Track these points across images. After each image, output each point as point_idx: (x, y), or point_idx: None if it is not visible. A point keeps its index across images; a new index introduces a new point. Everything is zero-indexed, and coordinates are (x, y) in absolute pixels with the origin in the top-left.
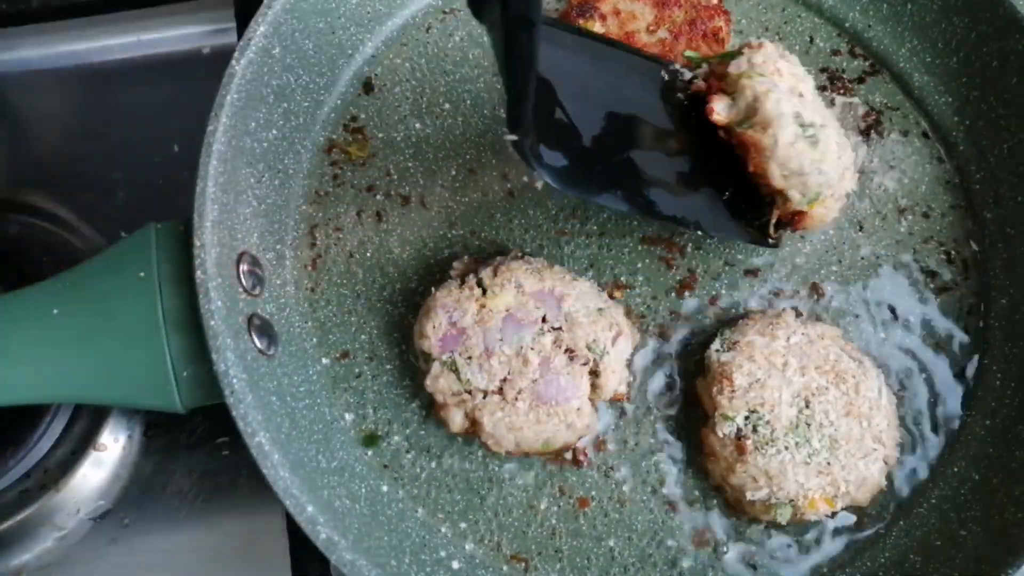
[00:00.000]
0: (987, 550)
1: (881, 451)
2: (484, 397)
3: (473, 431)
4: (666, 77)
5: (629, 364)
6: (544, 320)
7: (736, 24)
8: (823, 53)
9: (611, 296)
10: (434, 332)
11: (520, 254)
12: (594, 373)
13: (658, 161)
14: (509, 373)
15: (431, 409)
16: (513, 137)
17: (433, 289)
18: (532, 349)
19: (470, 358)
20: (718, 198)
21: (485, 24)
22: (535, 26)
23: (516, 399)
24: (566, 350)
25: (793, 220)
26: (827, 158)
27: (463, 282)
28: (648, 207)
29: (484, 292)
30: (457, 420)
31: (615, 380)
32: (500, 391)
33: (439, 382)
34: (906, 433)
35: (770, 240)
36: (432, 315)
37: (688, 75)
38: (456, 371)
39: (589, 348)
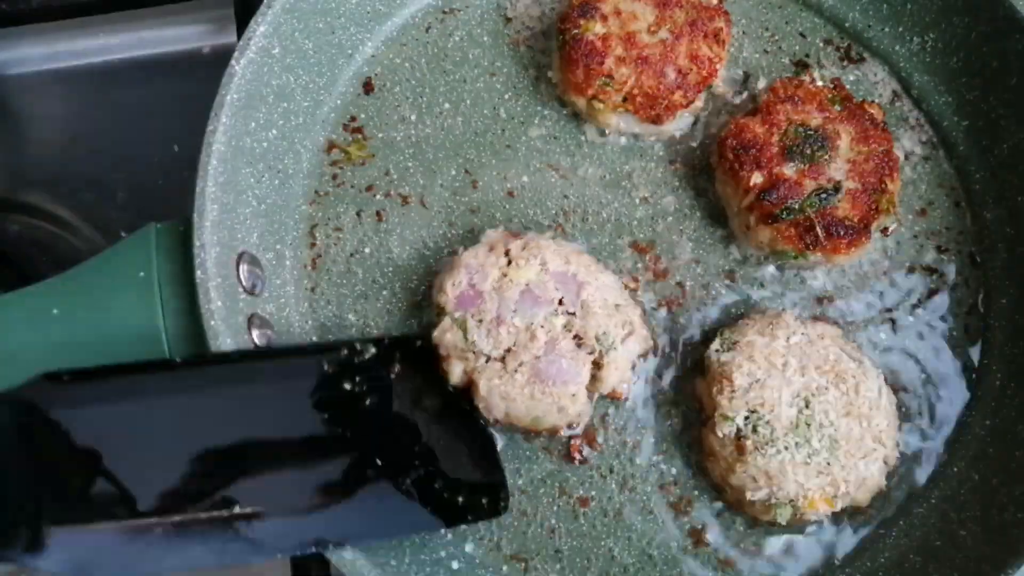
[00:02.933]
0: (987, 550)
1: (881, 451)
2: (486, 361)
3: (469, 390)
4: (327, 368)
5: (634, 366)
6: (560, 303)
7: (736, 24)
8: (823, 53)
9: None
10: (452, 289)
11: (554, 235)
12: (597, 365)
13: (277, 482)
14: (515, 344)
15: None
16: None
17: (461, 248)
18: (542, 327)
19: (481, 321)
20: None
21: None
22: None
23: (516, 371)
24: (575, 336)
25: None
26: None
27: (491, 249)
28: (249, 551)
29: (508, 263)
30: (456, 373)
31: (616, 377)
32: (502, 360)
33: (446, 336)
34: (906, 433)
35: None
36: (454, 272)
37: (370, 352)
38: (465, 330)
39: (598, 339)
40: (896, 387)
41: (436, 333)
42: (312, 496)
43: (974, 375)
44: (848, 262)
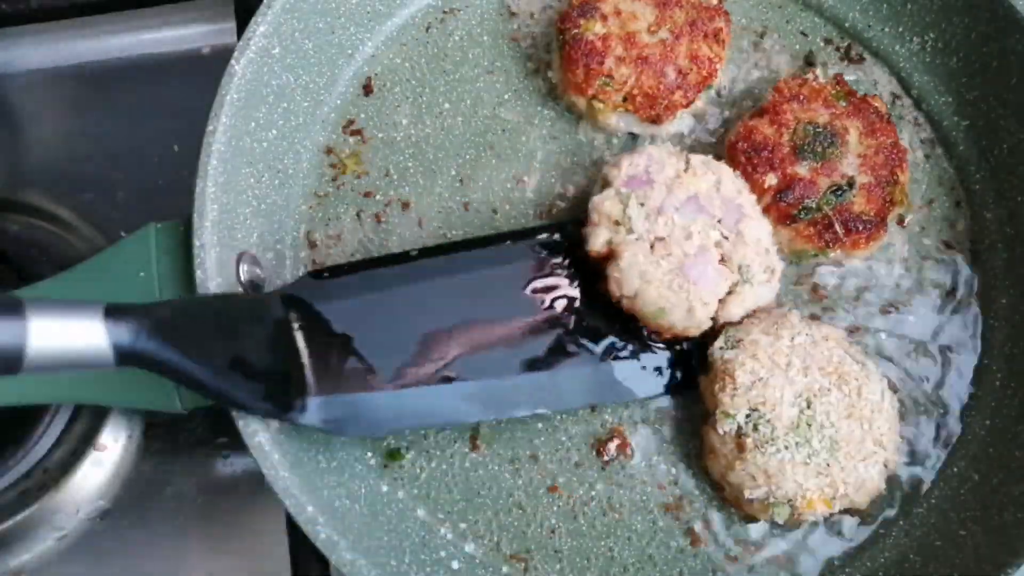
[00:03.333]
0: (987, 550)
1: (881, 454)
2: (636, 239)
3: (604, 262)
4: (537, 252)
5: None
6: (719, 222)
7: (736, 23)
8: (823, 53)
9: None
10: (628, 167)
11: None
12: (728, 292)
13: (487, 358)
14: (668, 236)
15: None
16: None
17: (648, 142)
18: (698, 233)
19: (643, 204)
20: (598, 360)
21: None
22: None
23: (662, 259)
24: (721, 258)
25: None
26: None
27: (676, 153)
28: (460, 414)
29: (686, 169)
30: (599, 241)
31: (738, 310)
32: (652, 245)
33: (606, 203)
34: (906, 434)
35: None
36: (636, 155)
37: (557, 236)
38: (625, 205)
39: (740, 269)
40: (896, 387)
41: (596, 198)
42: (519, 369)
43: (974, 375)
44: (865, 256)
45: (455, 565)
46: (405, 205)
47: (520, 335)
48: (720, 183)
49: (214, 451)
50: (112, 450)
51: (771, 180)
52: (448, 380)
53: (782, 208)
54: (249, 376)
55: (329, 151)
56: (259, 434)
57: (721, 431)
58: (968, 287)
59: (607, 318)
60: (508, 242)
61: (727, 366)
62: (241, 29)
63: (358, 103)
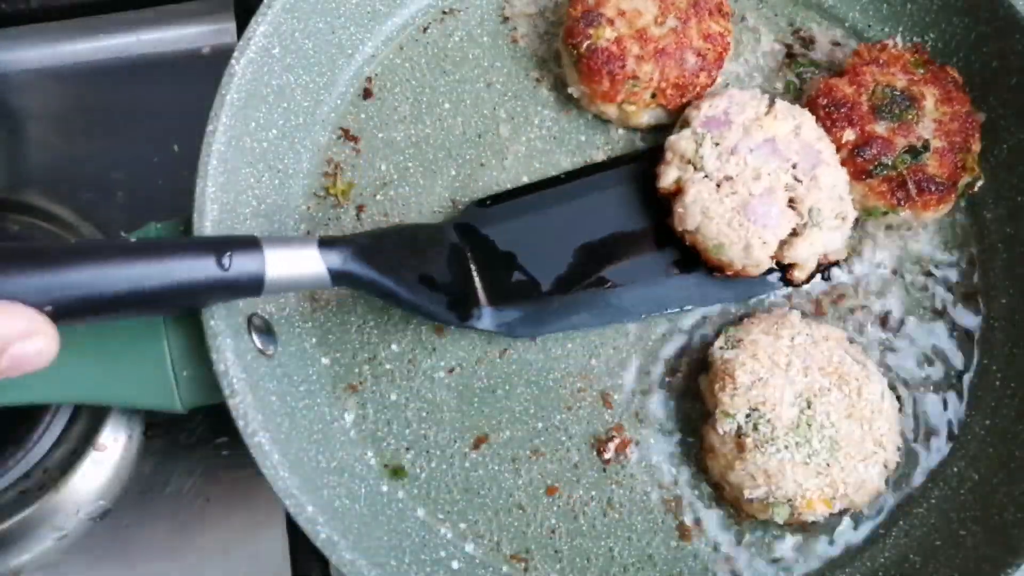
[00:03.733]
0: (987, 550)
1: (881, 455)
2: (703, 177)
3: (672, 198)
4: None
5: (820, 266)
6: (794, 167)
7: (736, 23)
8: (822, 52)
9: None
10: (708, 108)
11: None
12: (795, 233)
13: (635, 263)
14: (736, 176)
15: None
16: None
17: (732, 87)
18: (769, 175)
19: (718, 144)
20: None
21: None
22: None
23: (726, 197)
24: (791, 201)
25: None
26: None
27: (759, 96)
28: (619, 314)
29: (767, 112)
30: (670, 178)
31: (805, 251)
32: (719, 184)
33: (681, 143)
34: (906, 433)
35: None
36: (716, 97)
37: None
38: (699, 145)
39: (810, 212)
40: (896, 387)
41: (672, 137)
42: (666, 271)
43: (974, 375)
44: (932, 219)
45: (455, 565)
46: (405, 205)
47: (657, 241)
48: (800, 128)
49: (214, 451)
50: (112, 450)
51: (849, 136)
52: (603, 283)
53: (858, 163)
54: (434, 290)
55: (329, 151)
56: (259, 434)
57: (721, 431)
58: (968, 287)
59: None
60: (628, 164)
61: (727, 366)
62: (241, 29)
63: (358, 103)
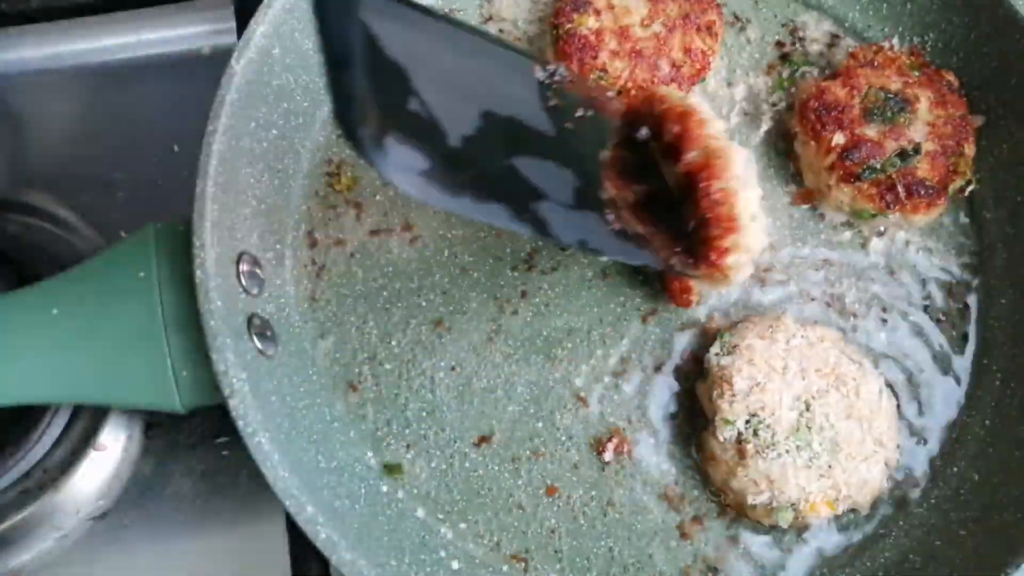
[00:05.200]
0: (987, 550)
1: (882, 453)
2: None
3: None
4: (541, 76)
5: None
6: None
7: (736, 22)
8: (818, 52)
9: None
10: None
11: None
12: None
13: (547, 173)
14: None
15: None
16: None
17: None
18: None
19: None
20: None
21: None
22: None
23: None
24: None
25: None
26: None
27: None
28: (540, 226)
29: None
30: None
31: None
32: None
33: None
34: (906, 434)
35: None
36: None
37: (565, 73)
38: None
39: None
40: (895, 388)
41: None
42: (567, 194)
43: (974, 375)
44: (924, 221)
45: (455, 565)
46: (406, 205)
47: (562, 157)
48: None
49: (214, 451)
50: (112, 450)
51: (838, 139)
52: (526, 183)
53: (847, 167)
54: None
55: (329, 151)
56: (259, 434)
57: (721, 438)
58: (968, 287)
59: None
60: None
61: (724, 372)
62: (241, 29)
63: None
